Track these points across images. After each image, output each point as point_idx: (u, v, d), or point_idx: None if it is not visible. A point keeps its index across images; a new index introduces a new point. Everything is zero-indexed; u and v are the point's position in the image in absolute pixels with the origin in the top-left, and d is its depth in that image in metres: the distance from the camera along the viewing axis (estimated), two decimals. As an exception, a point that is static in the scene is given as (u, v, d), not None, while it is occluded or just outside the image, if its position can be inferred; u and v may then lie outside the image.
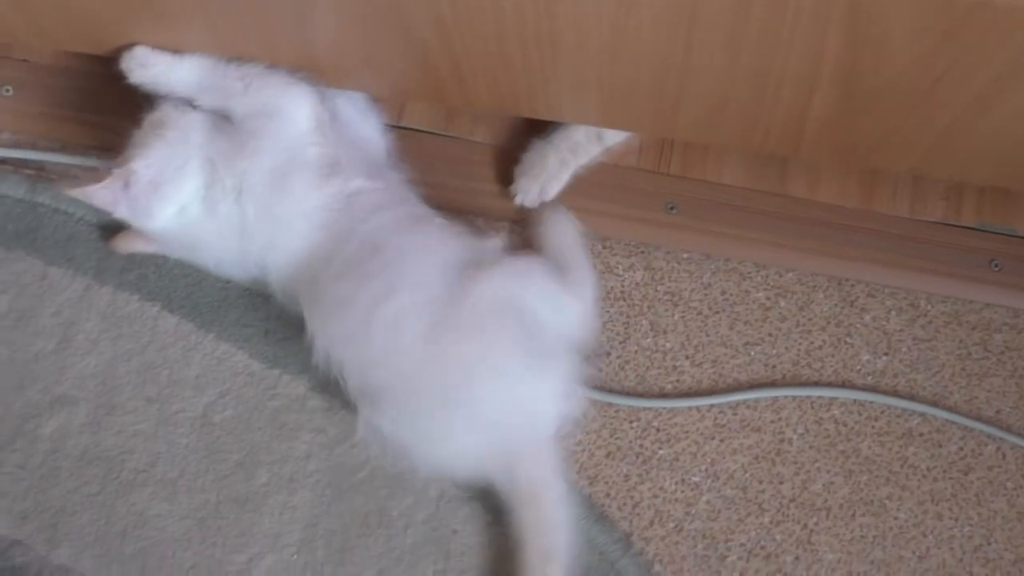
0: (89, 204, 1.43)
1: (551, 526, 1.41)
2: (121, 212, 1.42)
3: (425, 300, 1.37)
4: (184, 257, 1.50)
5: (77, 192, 1.42)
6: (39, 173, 1.61)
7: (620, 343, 1.54)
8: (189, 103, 1.45)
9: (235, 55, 1.43)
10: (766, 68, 1.19)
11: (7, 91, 1.64)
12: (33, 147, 1.63)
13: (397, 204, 1.45)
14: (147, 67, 1.44)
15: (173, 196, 1.41)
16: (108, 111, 1.59)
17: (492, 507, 1.46)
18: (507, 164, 1.58)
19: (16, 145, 1.63)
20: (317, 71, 1.43)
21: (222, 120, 1.44)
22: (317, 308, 1.41)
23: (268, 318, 1.53)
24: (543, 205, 1.55)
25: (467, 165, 1.61)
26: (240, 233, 1.42)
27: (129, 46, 1.44)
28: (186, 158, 1.41)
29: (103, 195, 1.41)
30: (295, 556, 1.47)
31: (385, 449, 1.40)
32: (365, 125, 1.53)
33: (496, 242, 1.45)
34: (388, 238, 1.40)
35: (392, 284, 1.37)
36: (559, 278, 1.44)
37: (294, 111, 1.43)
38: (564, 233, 1.51)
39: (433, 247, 1.41)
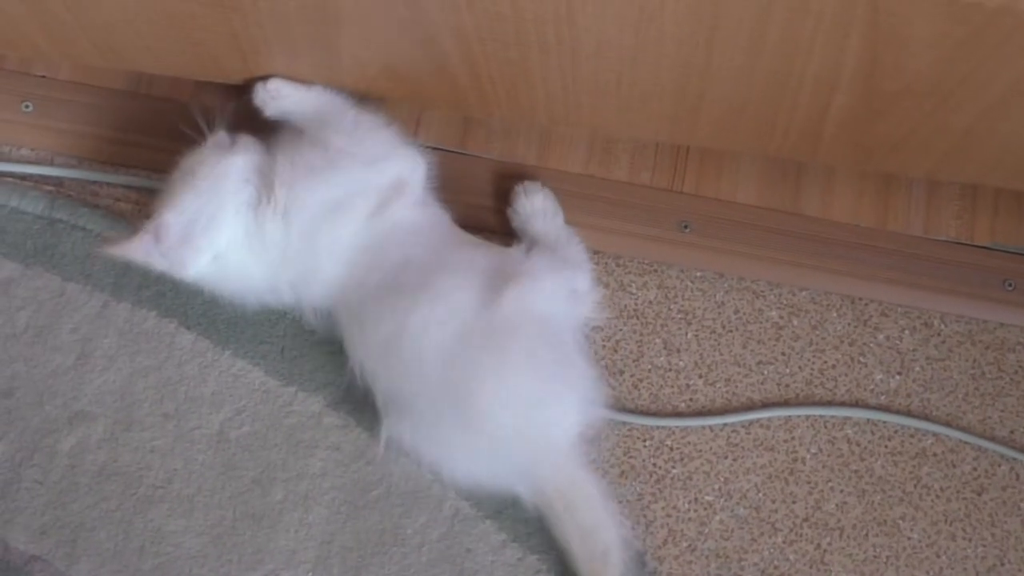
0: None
1: (595, 527, 1.41)
2: (157, 264, 1.41)
3: (451, 311, 1.38)
4: (221, 293, 1.47)
5: (113, 250, 1.41)
6: (58, 189, 1.62)
7: (633, 362, 1.54)
8: (231, 141, 1.45)
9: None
10: (786, 72, 1.20)
11: (27, 107, 1.64)
12: (52, 163, 1.63)
13: (431, 226, 1.47)
14: (280, 99, 1.47)
15: (206, 246, 1.40)
16: (127, 128, 1.62)
17: (507, 526, 1.47)
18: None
19: (35, 161, 1.63)
20: (340, 81, 1.45)
21: (290, 141, 1.45)
22: (354, 325, 1.42)
23: (284, 336, 1.54)
24: (522, 186, 1.56)
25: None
26: (279, 258, 1.42)
27: (263, 79, 1.47)
28: (219, 207, 1.41)
29: (137, 250, 1.40)
30: (310, 573, 1.47)
31: (406, 459, 1.41)
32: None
33: (520, 249, 1.46)
34: (418, 254, 1.42)
35: (419, 296, 1.38)
36: (556, 257, 1.47)
37: (389, 169, 1.44)
38: (545, 209, 1.53)
39: (460, 260, 1.43)
